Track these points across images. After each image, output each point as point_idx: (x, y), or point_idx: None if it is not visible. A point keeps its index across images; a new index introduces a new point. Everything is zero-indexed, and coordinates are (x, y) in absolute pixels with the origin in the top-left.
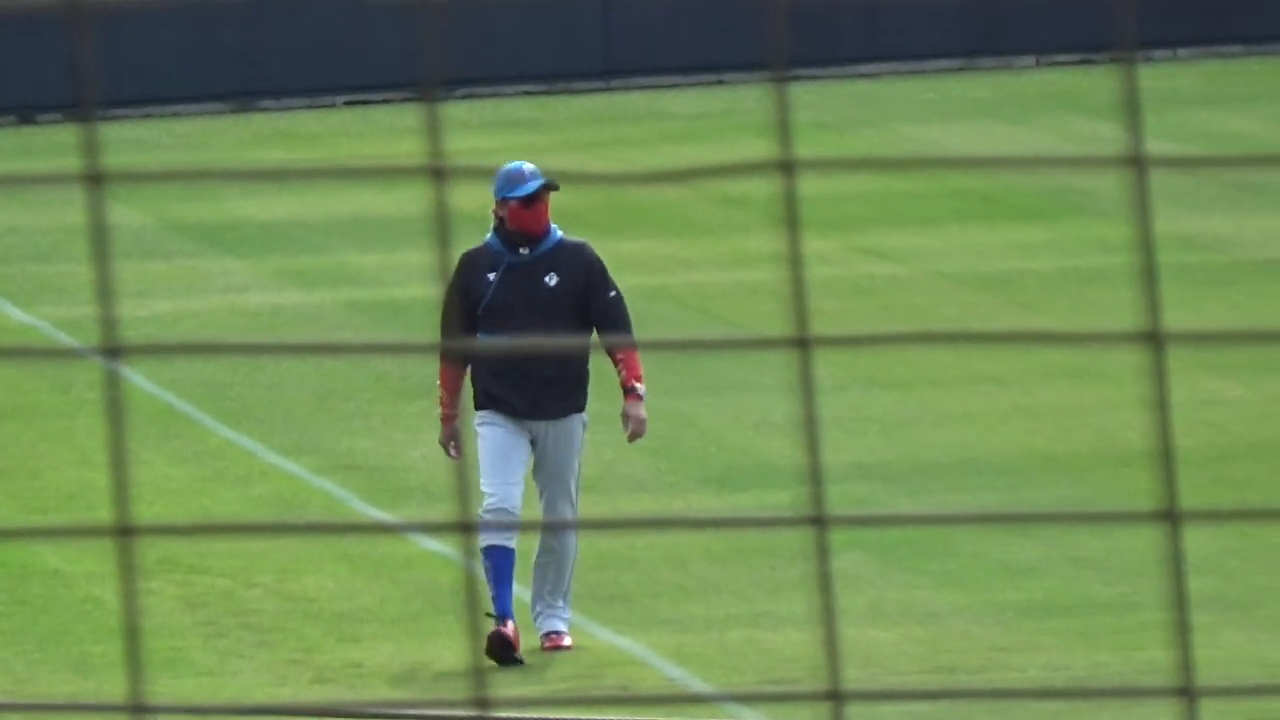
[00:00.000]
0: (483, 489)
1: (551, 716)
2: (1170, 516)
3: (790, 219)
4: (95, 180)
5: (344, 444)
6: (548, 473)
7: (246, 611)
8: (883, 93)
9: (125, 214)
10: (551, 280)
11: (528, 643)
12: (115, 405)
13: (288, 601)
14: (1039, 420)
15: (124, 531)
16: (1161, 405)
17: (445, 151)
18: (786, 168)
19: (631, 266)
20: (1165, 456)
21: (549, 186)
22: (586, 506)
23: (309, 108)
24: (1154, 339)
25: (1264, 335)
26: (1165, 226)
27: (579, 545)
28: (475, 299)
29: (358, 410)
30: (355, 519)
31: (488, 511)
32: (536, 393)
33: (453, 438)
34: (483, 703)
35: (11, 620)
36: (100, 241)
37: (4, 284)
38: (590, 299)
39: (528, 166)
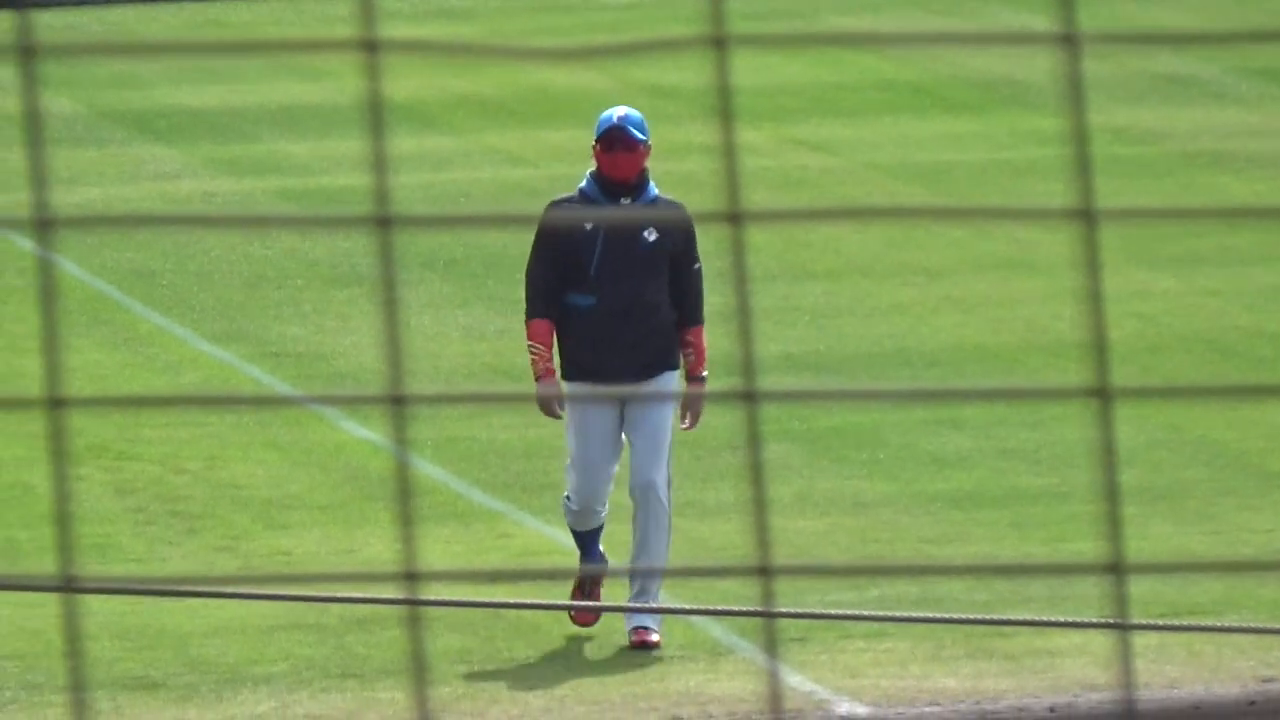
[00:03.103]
0: (567, 478)
1: (480, 600)
2: (1101, 394)
3: (723, 95)
4: (27, 54)
5: (274, 331)
6: (642, 433)
7: (175, 498)
8: None
9: (57, 101)
10: (651, 235)
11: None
12: (46, 273)
13: (216, 488)
14: (970, 312)
15: (55, 403)
16: (1094, 278)
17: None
18: (719, 44)
19: (559, 156)
20: (1097, 332)
21: (629, 142)
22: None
23: None
24: (1087, 216)
25: (1191, 212)
26: (1096, 118)
27: (671, 528)
28: (569, 249)
29: (288, 298)
30: (284, 406)
31: (570, 510)
32: (628, 353)
33: (556, 394)
34: (412, 576)
35: None
36: (33, 120)
37: None
38: (678, 263)
39: (620, 112)
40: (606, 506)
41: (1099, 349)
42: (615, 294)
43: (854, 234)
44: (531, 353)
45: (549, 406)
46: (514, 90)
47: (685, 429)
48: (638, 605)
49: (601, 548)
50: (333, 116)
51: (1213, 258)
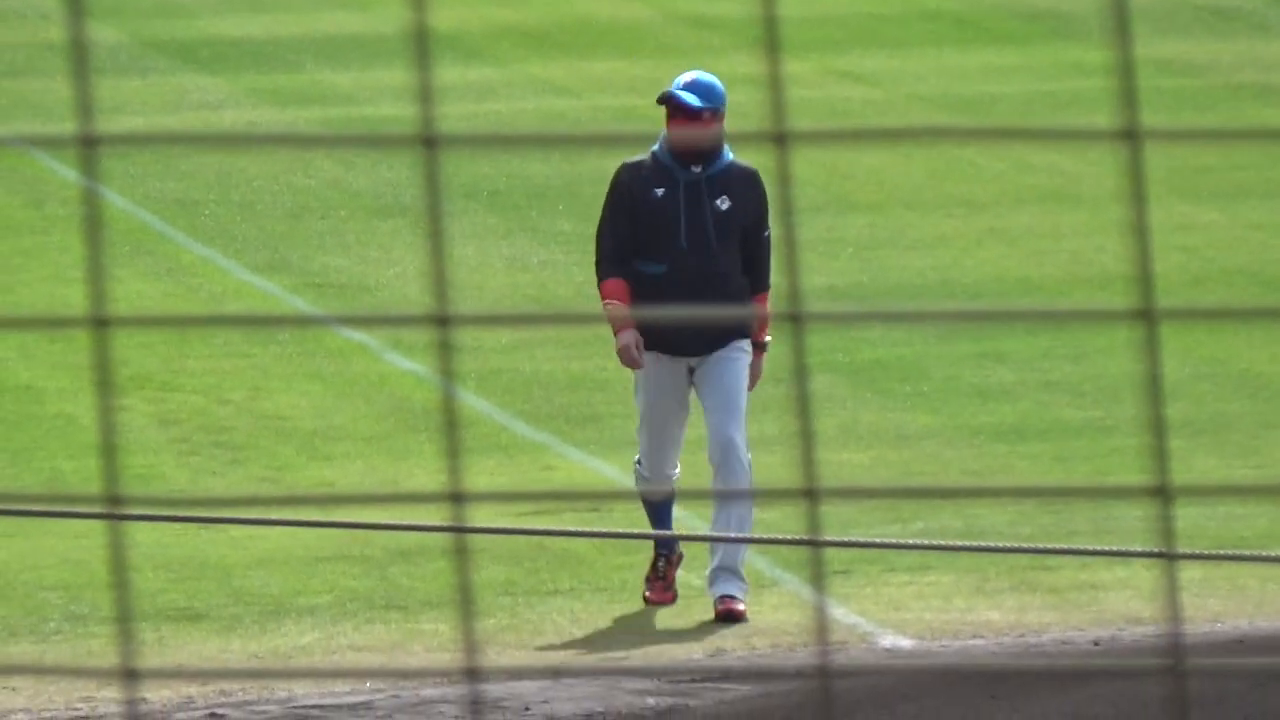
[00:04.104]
0: (639, 446)
1: (524, 528)
2: (1146, 316)
3: (769, 21)
4: None
5: (317, 261)
6: (716, 397)
7: (219, 429)
8: None
9: (102, 31)
10: (724, 204)
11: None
12: (91, 196)
13: (260, 419)
14: (1013, 244)
15: (99, 323)
16: (1139, 203)
17: None
18: None
19: (602, 87)
20: (1142, 258)
21: (688, 109)
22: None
23: None
24: (1131, 136)
25: (1232, 134)
26: (1141, 50)
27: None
28: (641, 214)
29: (331, 228)
30: (328, 336)
31: (641, 476)
32: (699, 328)
33: (634, 342)
34: (457, 498)
35: None
36: (78, 45)
37: None
38: (751, 232)
39: (687, 77)
40: (678, 471)
41: (1144, 272)
42: (686, 264)
43: (897, 165)
44: (606, 306)
45: (629, 355)
46: (557, 20)
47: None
48: (721, 539)
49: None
50: (377, 46)
51: (1257, 190)
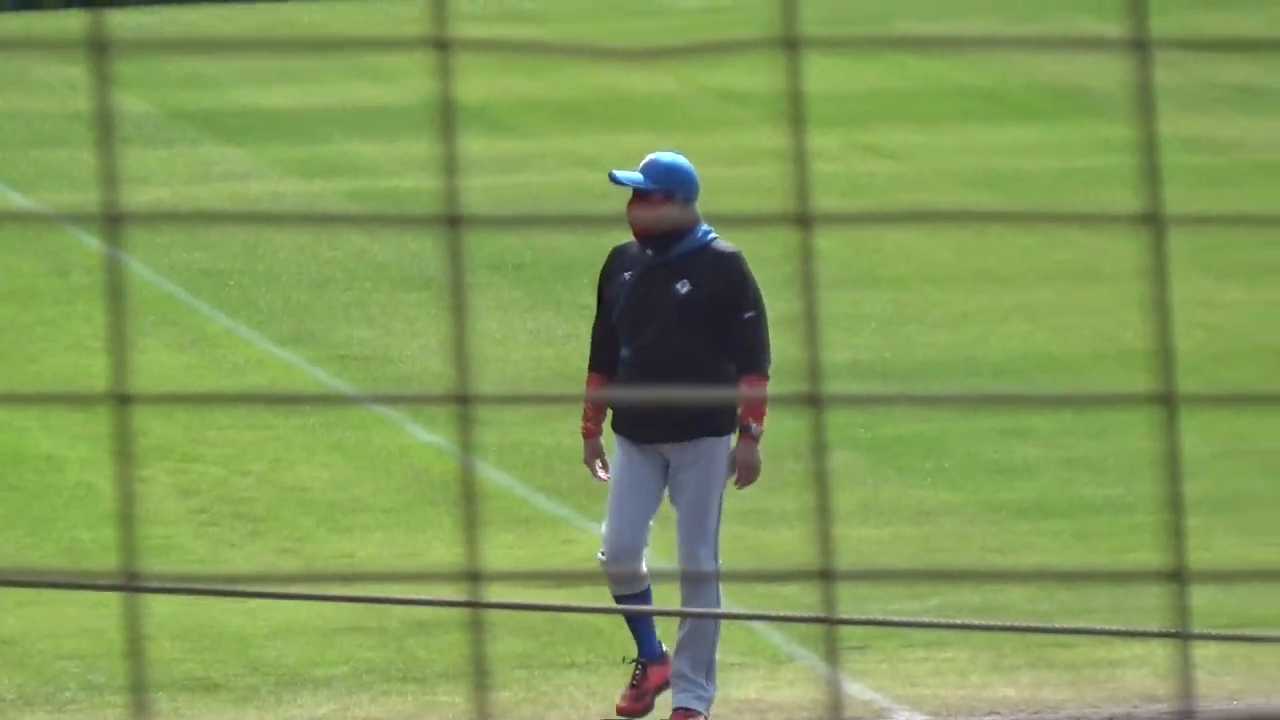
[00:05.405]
0: (603, 534)
1: (541, 603)
2: (1167, 400)
3: (794, 97)
4: (100, 49)
5: (341, 333)
6: (682, 507)
7: (239, 500)
8: None
9: (128, 101)
10: (683, 288)
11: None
12: (114, 270)
13: (280, 491)
14: (1038, 320)
15: (121, 400)
16: (1161, 284)
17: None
18: (791, 45)
19: (631, 160)
20: (1163, 339)
21: (639, 190)
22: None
23: None
24: (1154, 220)
25: (1258, 219)
26: (1167, 128)
27: (723, 602)
28: (610, 301)
29: (355, 300)
30: (350, 408)
31: (602, 564)
32: (663, 413)
33: (596, 455)
34: (474, 576)
35: (4, 505)
36: (104, 116)
37: (5, 169)
38: (725, 316)
39: (649, 156)
40: (645, 570)
41: (1165, 356)
42: (644, 348)
43: (922, 241)
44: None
45: (589, 466)
46: (584, 93)
47: (738, 487)
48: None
49: (663, 645)
50: (402, 118)
51: None
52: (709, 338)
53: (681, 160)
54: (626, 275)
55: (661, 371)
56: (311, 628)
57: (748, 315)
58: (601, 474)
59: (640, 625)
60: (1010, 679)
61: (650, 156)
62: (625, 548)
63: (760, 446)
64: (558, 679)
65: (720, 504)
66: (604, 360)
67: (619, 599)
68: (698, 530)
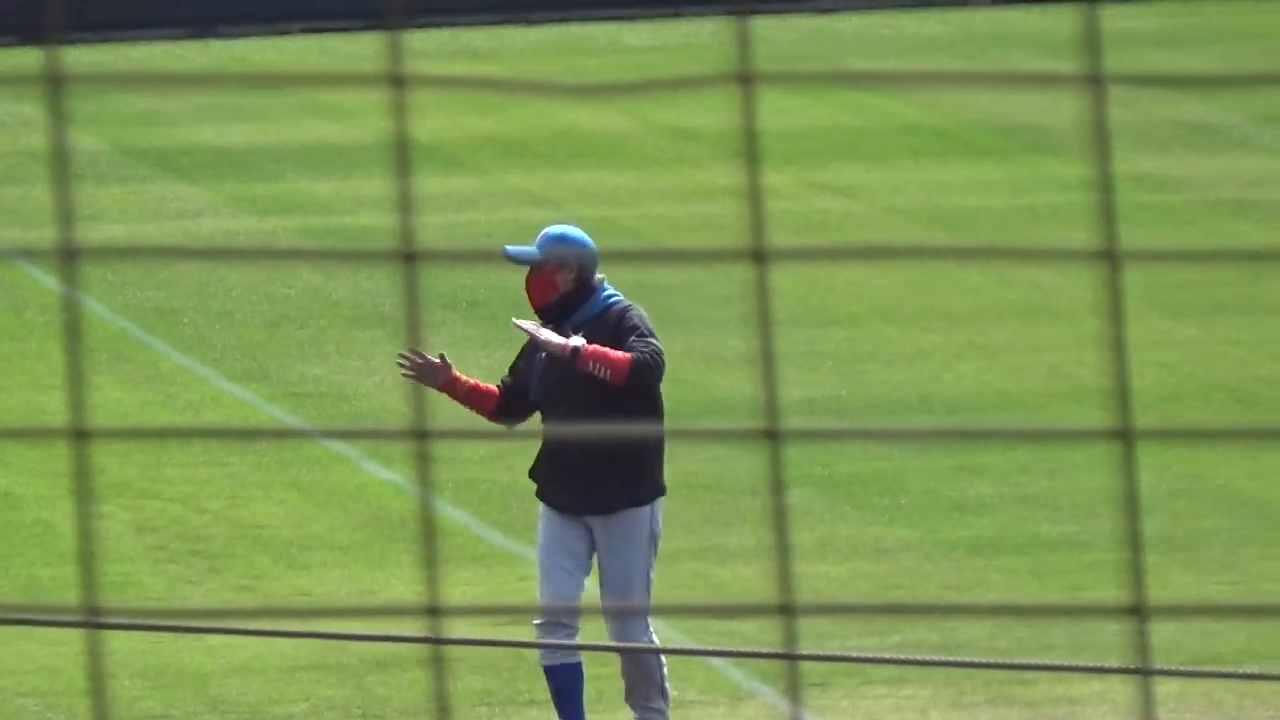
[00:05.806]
0: (538, 598)
1: (502, 639)
2: (1124, 435)
3: (749, 134)
4: (55, 84)
5: (296, 371)
6: (608, 580)
7: (196, 537)
8: (837, 28)
9: (81, 139)
10: None
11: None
12: (70, 306)
13: (237, 528)
14: (992, 358)
15: (79, 434)
16: (1117, 322)
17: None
18: (745, 80)
19: (583, 199)
20: (1119, 374)
21: (537, 263)
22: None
23: (266, 34)
24: (1110, 257)
25: (1211, 255)
26: (1120, 165)
27: (658, 649)
28: (521, 374)
29: (310, 338)
30: (306, 445)
31: (538, 628)
32: (582, 485)
33: (440, 377)
34: (434, 611)
35: None
36: (59, 151)
37: None
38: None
39: (547, 230)
40: (575, 639)
41: (1121, 391)
42: (553, 423)
43: (876, 279)
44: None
45: (431, 376)
46: (538, 131)
47: (518, 327)
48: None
49: None
50: (356, 156)
51: (1235, 306)
52: (629, 407)
53: (574, 231)
54: (541, 355)
55: (571, 446)
56: (271, 665)
57: (634, 339)
58: (433, 380)
59: (571, 709)
60: (970, 716)
61: (545, 230)
62: (556, 601)
63: (564, 358)
64: (519, 716)
65: (648, 576)
66: (507, 388)
67: (549, 670)
68: (626, 602)
